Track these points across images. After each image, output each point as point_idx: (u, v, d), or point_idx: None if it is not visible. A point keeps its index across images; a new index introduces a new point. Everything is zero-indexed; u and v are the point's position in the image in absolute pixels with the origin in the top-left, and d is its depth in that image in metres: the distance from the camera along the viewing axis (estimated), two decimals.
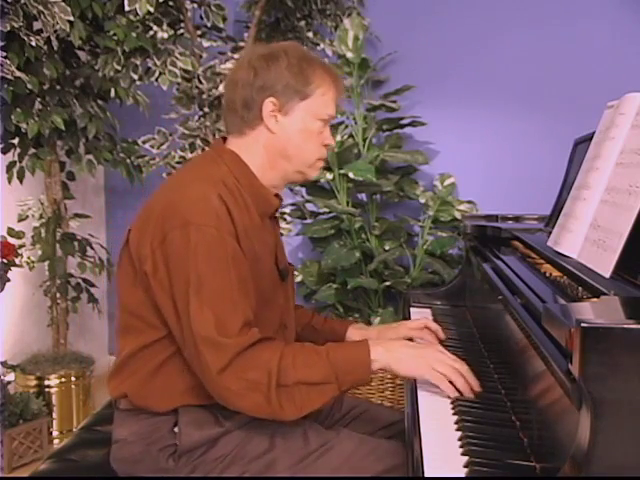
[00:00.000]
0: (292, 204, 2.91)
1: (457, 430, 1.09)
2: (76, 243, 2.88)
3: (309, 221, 2.85)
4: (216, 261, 1.19)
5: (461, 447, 1.03)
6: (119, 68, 2.62)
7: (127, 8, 2.43)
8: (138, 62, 2.65)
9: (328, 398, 1.20)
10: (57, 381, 2.76)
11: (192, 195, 1.23)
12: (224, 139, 1.39)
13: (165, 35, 2.65)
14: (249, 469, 1.25)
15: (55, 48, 2.49)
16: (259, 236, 1.32)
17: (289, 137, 1.34)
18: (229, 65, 2.74)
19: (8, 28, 2.33)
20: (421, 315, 1.82)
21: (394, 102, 2.72)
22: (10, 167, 2.71)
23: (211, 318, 1.16)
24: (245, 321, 1.19)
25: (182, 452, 1.26)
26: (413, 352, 1.26)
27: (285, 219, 2.85)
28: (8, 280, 2.63)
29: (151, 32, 2.63)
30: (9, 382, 2.68)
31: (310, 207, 2.87)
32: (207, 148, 2.69)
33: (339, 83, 1.39)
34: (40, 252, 2.83)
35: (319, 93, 1.34)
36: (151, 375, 1.28)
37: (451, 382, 1.23)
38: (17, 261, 2.67)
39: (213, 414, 1.27)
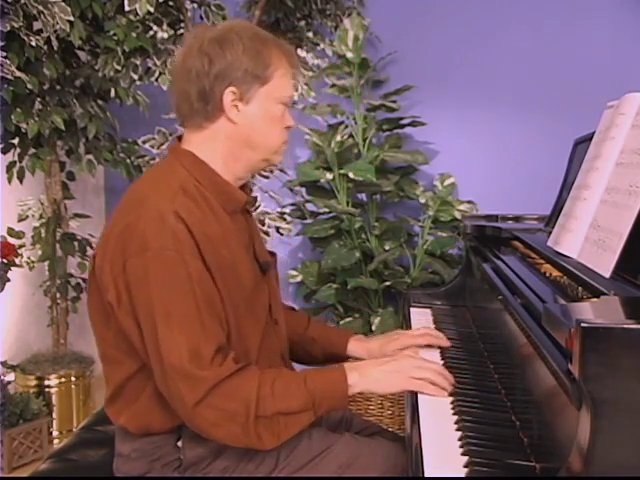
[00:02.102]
0: (292, 204, 2.91)
1: (457, 430, 1.09)
2: (76, 243, 2.87)
3: (309, 221, 2.85)
4: (179, 286, 1.13)
5: (461, 447, 1.03)
6: (119, 68, 2.62)
7: (127, 8, 2.43)
8: (138, 62, 2.65)
9: (304, 425, 1.19)
10: (57, 381, 2.75)
11: (148, 216, 1.16)
12: (180, 138, 1.32)
13: (165, 35, 2.65)
14: (256, 474, 1.24)
15: (55, 48, 2.48)
16: (230, 238, 1.25)
17: (253, 126, 1.26)
18: None
19: (8, 28, 2.33)
20: (421, 315, 1.82)
21: (394, 102, 2.72)
22: (10, 167, 2.71)
23: (183, 348, 1.12)
24: (218, 347, 1.15)
25: (187, 466, 1.25)
26: (388, 368, 1.24)
27: (285, 219, 2.85)
28: (8, 280, 2.62)
29: (151, 32, 2.62)
30: (9, 382, 2.67)
31: (310, 207, 2.87)
32: None
33: (293, 59, 1.31)
34: (40, 252, 2.83)
35: (278, 75, 1.26)
36: (146, 403, 1.24)
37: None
38: (17, 261, 2.67)
39: None
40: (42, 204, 2.87)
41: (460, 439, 1.06)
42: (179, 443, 1.25)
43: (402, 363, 1.26)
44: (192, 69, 1.23)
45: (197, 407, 1.12)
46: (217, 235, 1.22)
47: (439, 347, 1.50)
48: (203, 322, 1.14)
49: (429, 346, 1.48)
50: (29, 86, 2.44)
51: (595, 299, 1.00)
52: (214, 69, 1.22)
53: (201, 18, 2.79)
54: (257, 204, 2.81)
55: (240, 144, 1.27)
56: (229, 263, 1.22)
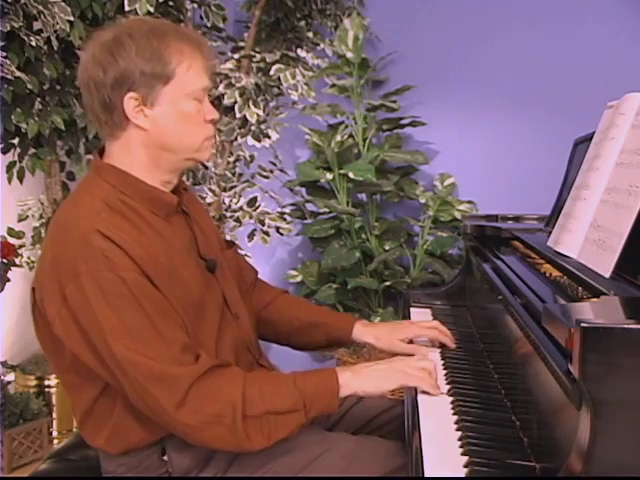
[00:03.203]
0: (292, 204, 2.91)
1: (457, 430, 1.09)
2: None
3: (309, 221, 2.85)
4: (122, 302, 1.10)
5: (461, 447, 1.03)
6: None
7: (127, 8, 2.43)
8: None
9: (295, 427, 1.16)
10: (57, 381, 2.75)
11: (73, 243, 1.13)
12: (101, 151, 1.29)
13: None
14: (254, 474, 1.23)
15: (55, 48, 2.48)
16: (169, 243, 1.22)
17: (164, 129, 1.20)
18: (229, 65, 2.74)
19: (8, 28, 2.33)
20: (421, 315, 1.82)
21: (394, 102, 2.72)
22: (10, 167, 2.71)
23: (146, 356, 1.09)
24: (182, 346, 1.13)
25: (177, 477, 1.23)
26: (381, 367, 1.23)
27: (285, 219, 2.85)
28: (8, 280, 2.62)
29: None
30: (9, 382, 2.67)
31: (310, 207, 2.87)
32: None
33: (203, 48, 1.24)
34: (40, 252, 2.83)
35: (182, 70, 1.19)
36: (119, 423, 1.20)
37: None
38: (17, 261, 2.67)
39: None
40: (42, 204, 2.87)
41: (460, 439, 1.06)
42: (165, 457, 1.22)
43: (395, 362, 1.26)
44: (89, 81, 1.20)
45: (178, 411, 1.09)
46: (152, 244, 1.18)
47: (440, 346, 1.50)
48: (158, 328, 1.12)
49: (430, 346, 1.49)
50: (29, 86, 2.44)
51: (595, 299, 0.99)
52: (109, 78, 1.17)
53: (201, 18, 2.79)
54: (257, 204, 2.82)
55: (157, 149, 1.22)
56: (169, 269, 1.18)
